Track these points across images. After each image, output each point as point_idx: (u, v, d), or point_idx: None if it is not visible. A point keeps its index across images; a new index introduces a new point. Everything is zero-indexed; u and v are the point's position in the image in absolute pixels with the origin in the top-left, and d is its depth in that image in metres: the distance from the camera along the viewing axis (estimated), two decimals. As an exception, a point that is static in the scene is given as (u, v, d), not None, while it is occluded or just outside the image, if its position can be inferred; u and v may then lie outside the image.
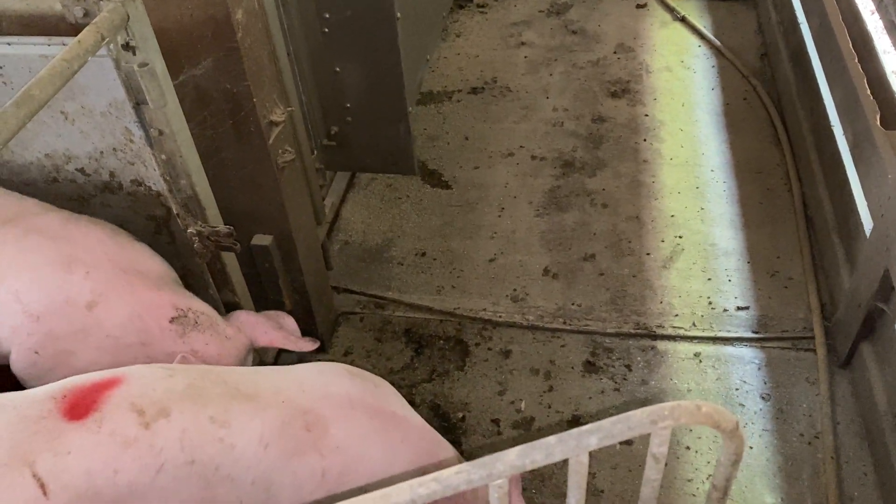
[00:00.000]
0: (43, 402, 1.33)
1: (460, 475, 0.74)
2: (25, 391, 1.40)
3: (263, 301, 2.35)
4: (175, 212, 1.80)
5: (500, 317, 2.67)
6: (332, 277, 2.84)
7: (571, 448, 0.81)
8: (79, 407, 1.33)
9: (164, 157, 1.73)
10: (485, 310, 2.70)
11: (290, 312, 2.41)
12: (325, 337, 2.62)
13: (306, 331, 2.56)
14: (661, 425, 0.79)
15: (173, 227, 1.90)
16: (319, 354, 2.59)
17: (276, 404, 1.45)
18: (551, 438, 0.84)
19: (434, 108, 3.60)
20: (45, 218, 1.74)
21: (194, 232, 1.80)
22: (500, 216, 3.06)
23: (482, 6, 4.28)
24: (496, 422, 2.37)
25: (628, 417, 0.79)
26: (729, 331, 2.55)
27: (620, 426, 0.80)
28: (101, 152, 1.77)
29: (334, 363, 1.66)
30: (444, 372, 2.53)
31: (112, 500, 1.28)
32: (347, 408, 1.51)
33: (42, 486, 1.23)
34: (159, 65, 1.59)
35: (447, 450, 1.66)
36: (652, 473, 0.87)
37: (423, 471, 1.54)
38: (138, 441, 1.31)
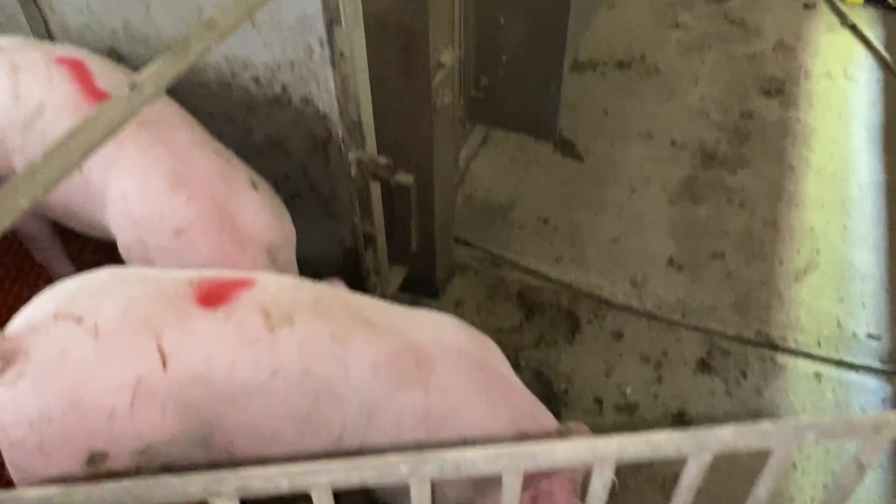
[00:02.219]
0: (181, 284, 1.38)
1: (670, 442, 0.73)
2: (168, 270, 1.46)
3: (392, 238, 2.37)
4: (340, 136, 1.82)
5: (617, 298, 2.62)
6: (454, 228, 2.84)
7: (788, 437, 0.78)
8: (212, 296, 1.38)
9: (339, 79, 1.74)
10: (602, 288, 2.66)
11: (413, 254, 2.43)
12: (441, 284, 2.63)
13: (424, 277, 2.59)
14: (883, 435, 0.75)
15: (331, 150, 1.92)
16: (431, 300, 2.61)
17: (391, 335, 1.47)
18: (767, 424, 0.81)
19: (577, 78, 3.52)
20: (178, 133, 1.75)
21: (354, 158, 1.82)
22: (629, 197, 2.99)
23: (640, -20, 4.14)
24: (599, 401, 2.34)
25: (850, 419, 0.76)
26: (855, 357, 2.44)
27: (841, 426, 0.76)
28: (279, 65, 1.80)
29: (448, 315, 1.66)
30: (552, 341, 2.51)
31: (223, 391, 1.32)
32: (456, 355, 1.52)
33: (163, 358, 1.28)
34: (357, -13, 1.59)
35: (548, 416, 1.63)
36: (849, 482, 0.84)
37: (522, 433, 1.53)
38: (260, 341, 1.35)
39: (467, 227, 2.87)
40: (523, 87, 2.66)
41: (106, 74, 1.80)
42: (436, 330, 1.56)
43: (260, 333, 1.35)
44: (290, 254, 1.91)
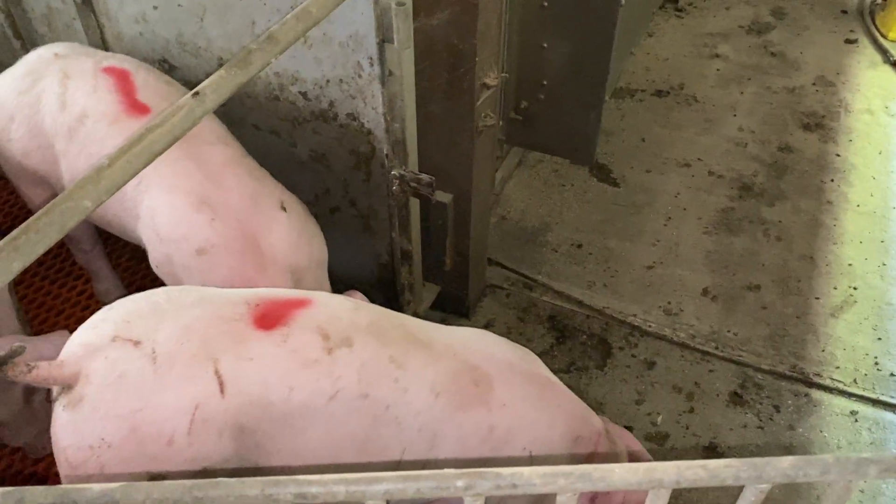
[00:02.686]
0: (237, 305, 1.38)
1: (729, 469, 0.72)
2: (224, 290, 1.47)
3: (426, 255, 2.38)
4: (385, 152, 1.83)
5: (650, 326, 2.60)
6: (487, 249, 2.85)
7: (849, 471, 0.77)
8: (269, 318, 1.38)
9: (387, 97, 1.76)
10: (635, 315, 2.64)
11: (447, 272, 2.44)
12: (472, 304, 2.63)
13: (457, 295, 2.59)
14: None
15: (373, 166, 1.94)
16: (462, 319, 2.61)
17: (447, 356, 1.48)
18: (828, 457, 0.80)
19: (614, 104, 3.53)
20: (212, 150, 1.76)
21: (397, 175, 1.83)
22: (665, 225, 2.97)
23: (680, 10, 4.15)
24: (629, 429, 2.32)
25: (913, 459, 0.74)
26: (893, 396, 2.39)
27: (903, 466, 0.75)
28: (328, 81, 1.83)
29: (484, 330, 1.68)
30: (583, 367, 2.49)
31: (282, 414, 1.32)
32: (508, 370, 1.54)
33: (221, 383, 1.28)
34: (411, 7, 1.61)
35: (595, 418, 1.66)
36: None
37: (578, 437, 1.56)
38: (319, 364, 1.35)
39: (500, 248, 2.88)
40: (563, 111, 2.66)
41: (150, 86, 1.83)
42: (484, 346, 1.58)
43: (318, 355, 1.35)
44: (319, 276, 1.90)
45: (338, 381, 1.36)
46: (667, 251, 2.87)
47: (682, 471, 0.70)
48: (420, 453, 1.43)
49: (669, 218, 3.00)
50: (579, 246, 2.89)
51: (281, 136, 2.02)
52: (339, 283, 2.34)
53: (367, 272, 2.24)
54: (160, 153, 1.04)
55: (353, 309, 1.48)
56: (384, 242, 2.11)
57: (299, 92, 1.89)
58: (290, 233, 1.77)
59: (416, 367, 1.43)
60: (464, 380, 1.46)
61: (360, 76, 1.76)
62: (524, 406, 1.51)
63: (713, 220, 2.99)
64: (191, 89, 1.14)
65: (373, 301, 2.31)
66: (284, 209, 1.78)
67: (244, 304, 1.40)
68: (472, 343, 1.56)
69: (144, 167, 1.03)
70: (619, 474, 0.67)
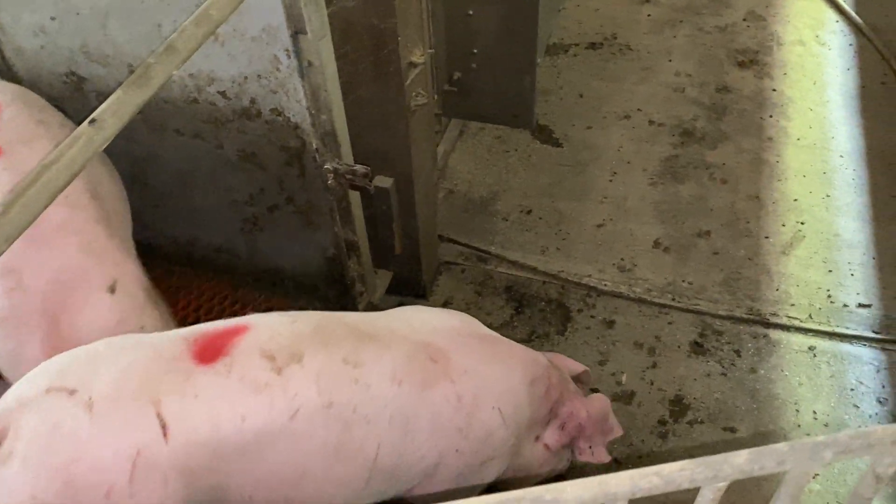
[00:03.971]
0: (175, 343, 1.34)
1: (683, 473, 0.70)
2: (162, 332, 1.42)
3: (375, 242, 2.33)
4: (314, 146, 1.77)
5: (606, 285, 2.60)
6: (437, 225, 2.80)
7: (805, 459, 0.75)
8: (209, 350, 1.34)
9: (309, 89, 1.69)
10: (590, 276, 2.63)
11: (397, 258, 2.39)
12: (427, 284, 2.59)
13: (411, 278, 2.55)
14: (904, 446, 0.72)
15: (306, 161, 1.87)
16: (419, 300, 2.58)
17: (396, 341, 1.48)
18: (782, 446, 0.78)
19: (549, 62, 3.48)
20: (48, 212, 1.60)
21: (330, 168, 1.77)
22: (611, 181, 2.96)
23: (606, -43, 4.09)
24: (595, 391, 2.32)
25: (868, 434, 0.73)
26: (848, 328, 2.43)
27: (859, 443, 0.73)
28: (245, 77, 1.74)
29: (418, 305, 1.72)
30: (543, 334, 2.48)
31: (237, 447, 1.28)
32: (457, 337, 1.57)
33: (164, 426, 1.23)
34: (322, -6, 1.54)
35: (539, 355, 1.74)
36: (866, 491, 0.81)
37: (533, 379, 1.63)
38: (270, 386, 1.31)
39: (450, 223, 2.83)
40: (497, 77, 2.61)
41: (15, 124, 1.70)
42: (425, 321, 1.60)
43: (268, 378, 1.32)
44: None
45: (295, 399, 1.33)
46: (615, 207, 2.85)
47: (636, 481, 0.68)
48: (395, 443, 1.43)
49: (615, 173, 2.98)
50: (529, 212, 2.87)
51: (205, 139, 1.93)
52: (288, 281, 2.28)
53: (314, 267, 2.18)
54: (61, 190, 0.97)
55: (292, 322, 1.45)
56: (328, 236, 2.05)
57: (218, 91, 1.80)
58: (107, 317, 1.62)
59: (371, 362, 1.42)
60: (420, 359, 1.47)
61: (278, 70, 1.69)
62: (483, 367, 1.54)
63: (658, 170, 2.98)
64: (103, 101, 1.06)
65: (325, 296, 2.27)
66: (113, 290, 1.63)
67: (182, 341, 1.36)
68: (414, 321, 1.58)
69: (45, 209, 0.95)
70: (573, 492, 0.65)
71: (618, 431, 1.84)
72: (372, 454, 1.41)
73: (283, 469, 1.33)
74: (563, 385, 1.75)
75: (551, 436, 1.71)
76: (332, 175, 1.79)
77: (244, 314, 2.25)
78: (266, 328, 1.41)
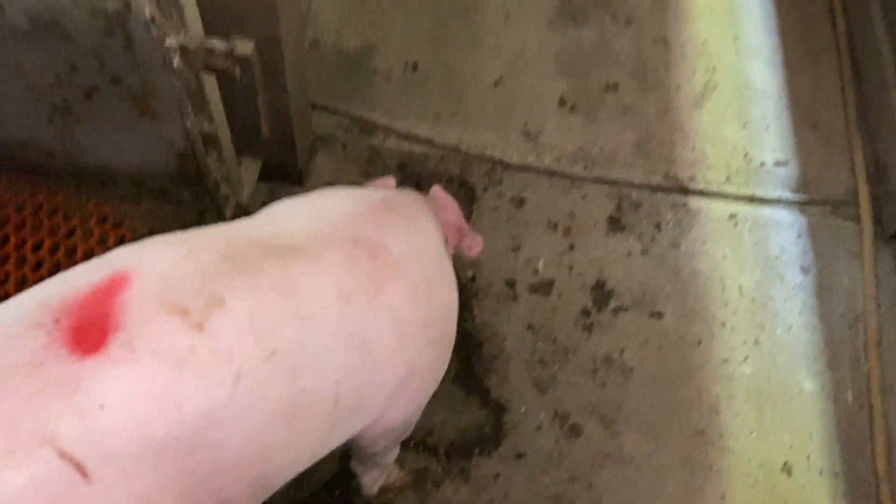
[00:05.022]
0: (32, 335, 0.87)
1: None
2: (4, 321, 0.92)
3: (234, 124, 1.83)
4: (146, 13, 1.22)
5: (512, 157, 2.26)
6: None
7: None
8: (88, 329, 0.89)
9: (129, -75, 1.13)
10: (493, 146, 2.27)
11: (266, 140, 1.92)
12: (304, 166, 2.14)
13: (283, 162, 2.09)
14: None
15: (132, 29, 1.32)
16: (296, 187, 2.14)
17: (322, 246, 1.13)
18: None
19: None
20: None
21: (175, 46, 1.25)
22: (505, 24, 2.53)
23: None
24: (511, 283, 2.05)
25: None
26: (767, 190, 2.27)
27: None
28: None
29: (311, 193, 1.33)
30: (446, 218, 2.14)
31: (184, 444, 0.91)
32: (374, 220, 1.25)
33: (77, 466, 0.82)
34: None
35: (415, 192, 1.47)
36: None
37: (441, 226, 1.42)
38: (196, 351, 0.92)
39: (321, 85, 2.33)
40: None
41: None
42: (340, 211, 1.25)
43: (189, 341, 0.92)
44: None
45: (233, 357, 0.95)
46: (513, 59, 2.46)
47: None
48: (355, 376, 1.13)
49: (507, 16, 2.55)
50: (414, 67, 2.41)
51: (-24, 0, 1.32)
52: (124, 181, 1.76)
53: (159, 166, 1.67)
54: None
55: (186, 254, 1.02)
56: (176, 128, 1.54)
57: (-19, -72, 1.19)
58: None
59: (306, 283, 1.06)
60: (359, 262, 1.15)
61: None
62: (415, 242, 1.27)
63: (554, 11, 2.57)
64: None
65: (177, 199, 1.78)
66: None
67: (37, 329, 0.88)
68: (327, 214, 1.22)
69: None
70: None
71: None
72: (331, 398, 1.09)
73: (241, 451, 0.98)
74: (449, 209, 1.53)
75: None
76: (177, 54, 1.27)
77: (69, 228, 1.75)
78: (154, 271, 0.97)
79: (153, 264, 0.99)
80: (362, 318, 1.12)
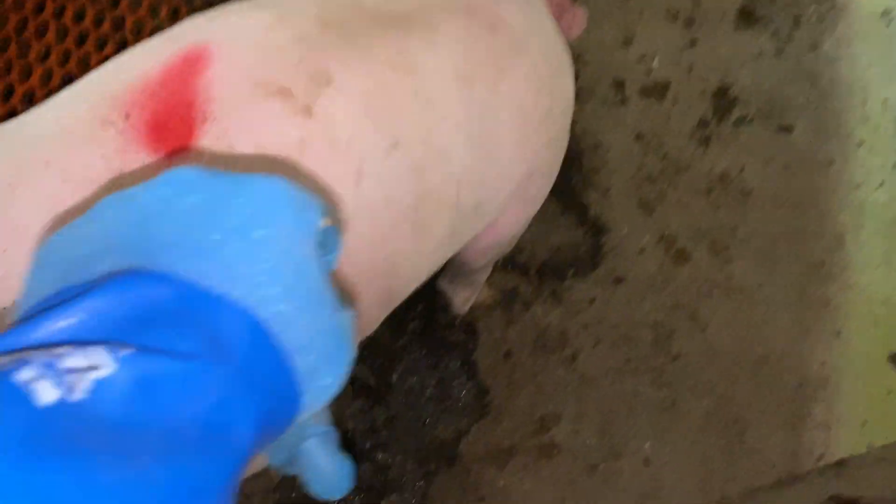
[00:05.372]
0: (97, 141, 0.68)
1: None
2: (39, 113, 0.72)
3: None
4: None
5: (629, -76, 1.86)
6: None
7: None
8: (169, 123, 0.69)
9: None
10: None
11: None
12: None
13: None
14: None
15: None
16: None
17: (438, 16, 0.88)
18: None
19: None
20: None
21: None
22: None
23: None
24: (620, 84, 1.77)
25: None
26: (929, -19, 1.89)
27: None
28: None
29: None
30: None
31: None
32: None
33: None
34: None
35: None
36: None
37: None
38: (308, 142, 0.73)
39: None
40: None
41: None
42: None
43: (296, 128, 0.72)
44: None
45: (351, 148, 0.76)
46: None
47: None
48: (475, 168, 0.92)
49: None
50: None
51: None
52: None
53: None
54: None
55: (277, 20, 0.78)
56: None
57: None
58: None
59: (424, 60, 0.84)
60: (478, 36, 0.90)
61: None
62: (533, 15, 0.99)
63: None
64: None
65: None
66: None
67: (107, 127, 0.68)
68: None
69: None
70: None
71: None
72: (453, 199, 0.91)
73: (371, 262, 0.83)
74: None
75: None
76: None
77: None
78: (240, 42, 0.75)
79: (237, 34, 0.76)
80: (483, 107, 0.90)
